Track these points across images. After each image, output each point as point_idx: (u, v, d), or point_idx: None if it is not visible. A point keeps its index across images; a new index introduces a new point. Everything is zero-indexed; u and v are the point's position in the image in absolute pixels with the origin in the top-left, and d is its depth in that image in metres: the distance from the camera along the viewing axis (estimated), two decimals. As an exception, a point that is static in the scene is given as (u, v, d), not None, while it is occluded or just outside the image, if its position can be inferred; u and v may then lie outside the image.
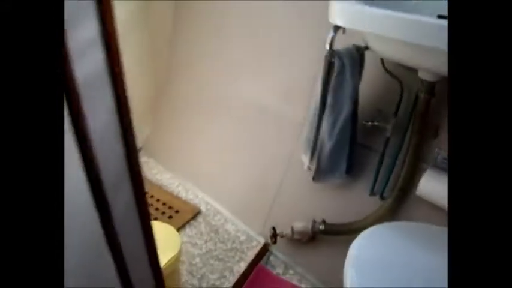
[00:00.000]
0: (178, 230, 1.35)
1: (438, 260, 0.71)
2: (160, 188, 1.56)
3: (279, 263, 1.28)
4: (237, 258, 1.28)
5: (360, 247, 0.72)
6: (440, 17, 0.86)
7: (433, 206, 0.97)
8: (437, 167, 1.00)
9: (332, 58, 0.98)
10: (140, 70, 1.33)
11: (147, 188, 1.51)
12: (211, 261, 1.26)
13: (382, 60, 1.02)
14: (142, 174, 0.45)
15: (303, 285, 1.21)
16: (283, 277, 1.24)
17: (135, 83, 1.17)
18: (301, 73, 1.24)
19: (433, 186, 0.95)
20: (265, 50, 1.32)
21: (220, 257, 1.28)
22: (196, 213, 1.45)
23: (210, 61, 1.47)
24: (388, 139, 1.05)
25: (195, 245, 1.32)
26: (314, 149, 1.10)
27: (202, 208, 1.48)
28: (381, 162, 1.08)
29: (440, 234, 0.81)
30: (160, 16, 1.41)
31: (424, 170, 0.98)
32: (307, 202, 1.25)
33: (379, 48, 0.88)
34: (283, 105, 1.30)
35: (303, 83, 1.22)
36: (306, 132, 1.14)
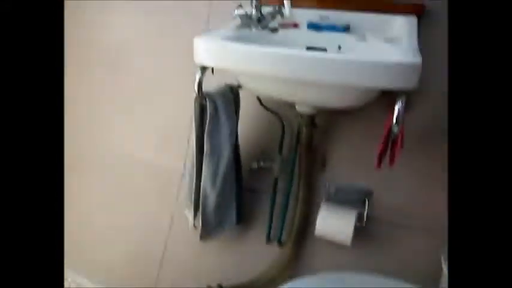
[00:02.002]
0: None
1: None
2: None
3: None
4: None
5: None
6: (309, 48, 0.81)
7: (334, 244, 0.90)
8: (330, 200, 0.94)
9: (203, 101, 0.87)
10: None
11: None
12: None
13: (258, 97, 0.94)
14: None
15: None
16: None
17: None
18: (177, 118, 1.10)
19: (330, 223, 0.88)
20: (134, 96, 1.16)
21: None
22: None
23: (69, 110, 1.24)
24: (276, 179, 0.97)
25: None
26: (197, 202, 0.95)
27: (74, 292, 1.19)
28: (273, 205, 0.98)
29: (352, 282, 0.72)
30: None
31: (318, 205, 0.91)
32: (198, 265, 1.08)
33: (250, 85, 0.80)
34: (159, 155, 1.13)
35: (180, 129, 1.09)
36: (186, 184, 0.99)
